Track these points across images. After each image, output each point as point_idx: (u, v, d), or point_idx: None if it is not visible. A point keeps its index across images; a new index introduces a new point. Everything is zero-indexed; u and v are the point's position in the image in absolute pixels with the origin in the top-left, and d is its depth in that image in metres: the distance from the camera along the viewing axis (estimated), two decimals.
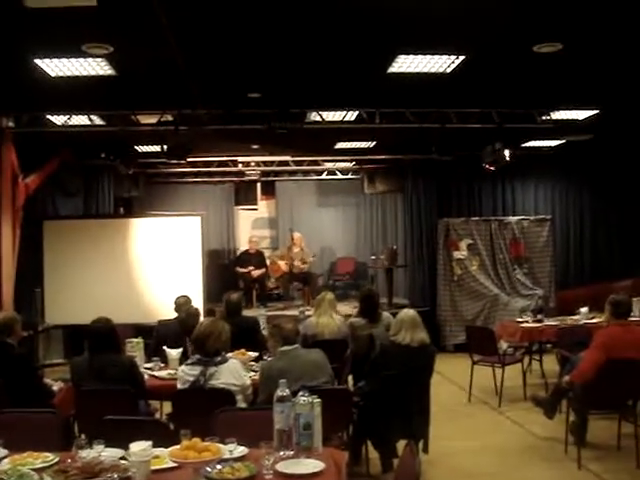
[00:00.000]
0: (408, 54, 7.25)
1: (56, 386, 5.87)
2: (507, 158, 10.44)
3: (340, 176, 15.41)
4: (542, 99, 9.53)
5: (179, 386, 5.02)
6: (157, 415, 6.28)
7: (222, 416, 4.16)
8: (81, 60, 7.06)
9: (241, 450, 3.54)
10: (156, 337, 7.34)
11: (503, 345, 9.09)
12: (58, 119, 9.81)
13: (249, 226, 15.99)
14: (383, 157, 13.68)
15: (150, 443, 3.28)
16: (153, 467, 3.29)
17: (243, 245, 15.07)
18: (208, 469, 3.23)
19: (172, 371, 5.94)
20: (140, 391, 5.46)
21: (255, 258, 13.78)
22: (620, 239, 13.97)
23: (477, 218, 13.16)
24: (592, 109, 9.95)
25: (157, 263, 11.82)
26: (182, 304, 7.77)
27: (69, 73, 7.41)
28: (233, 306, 7.39)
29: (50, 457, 3.49)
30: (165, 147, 10.97)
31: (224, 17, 6.06)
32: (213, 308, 10.56)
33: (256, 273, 13.48)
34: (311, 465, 3.37)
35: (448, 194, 13.86)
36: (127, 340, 6.38)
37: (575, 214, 14.38)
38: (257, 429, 3.68)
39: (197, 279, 11.82)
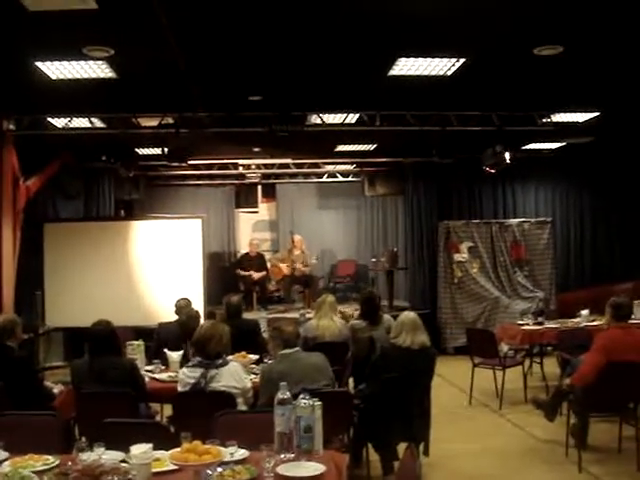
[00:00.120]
0: (409, 57, 7.27)
1: (56, 389, 5.87)
2: (507, 161, 10.45)
3: (341, 179, 15.40)
4: (542, 102, 9.54)
5: (179, 389, 5.01)
6: (158, 418, 6.27)
7: (223, 419, 4.15)
8: (82, 63, 7.08)
9: (242, 453, 3.54)
10: (157, 340, 7.34)
11: (504, 348, 9.09)
12: (59, 122, 9.82)
13: (250, 229, 15.98)
14: (384, 160, 13.68)
15: (151, 446, 3.28)
16: (154, 470, 3.29)
17: (244, 248, 15.06)
18: (209, 472, 3.23)
19: (173, 374, 5.94)
20: (141, 394, 5.45)
21: (256, 261, 13.76)
22: (621, 241, 13.97)
23: (478, 221, 13.17)
24: (592, 112, 9.96)
25: (158, 266, 11.81)
26: (183, 307, 7.77)
27: (70, 76, 7.43)
28: (233, 309, 7.39)
29: (51, 460, 3.49)
30: (166, 150, 10.98)
31: (225, 19, 6.07)
32: (214, 311, 10.58)
33: (257, 276, 13.47)
34: (312, 468, 3.36)
35: (449, 197, 13.87)
36: (128, 343, 6.38)
37: (576, 216, 14.38)
38: (258, 432, 3.68)
39: (198, 282, 11.81)
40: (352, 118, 10.03)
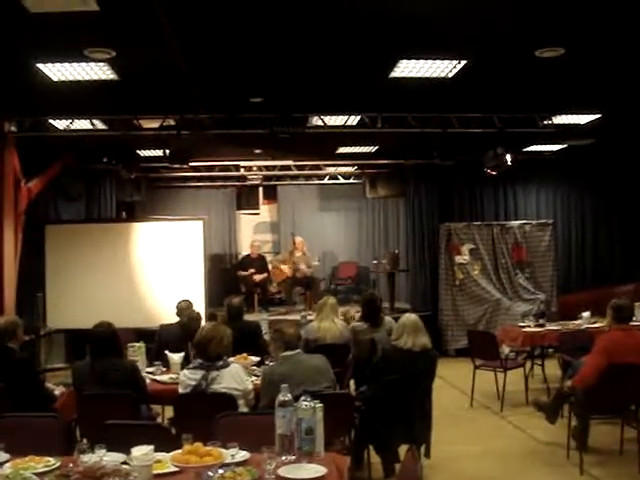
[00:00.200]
0: (410, 59, 7.27)
1: (58, 390, 5.87)
2: (509, 163, 10.45)
3: (342, 181, 15.41)
4: (544, 104, 9.54)
5: (181, 390, 5.01)
6: (159, 419, 6.27)
7: (224, 421, 4.15)
8: (83, 65, 7.09)
9: (243, 455, 3.54)
10: (158, 341, 7.34)
11: (505, 350, 9.09)
12: (60, 123, 9.83)
13: (251, 230, 15.99)
14: (385, 162, 13.69)
15: (152, 447, 3.27)
16: (155, 472, 3.29)
17: (245, 249, 15.06)
18: (210, 474, 3.23)
19: (174, 375, 5.93)
20: (142, 395, 5.45)
21: (257, 262, 13.76)
22: (622, 243, 13.97)
23: (479, 223, 13.17)
24: (594, 114, 9.96)
25: (159, 267, 11.82)
26: (184, 308, 7.78)
27: (71, 78, 7.44)
28: (235, 310, 7.38)
29: (52, 461, 3.49)
30: (167, 151, 10.97)
31: (226, 21, 6.07)
32: (215, 312, 10.57)
33: (258, 277, 13.47)
34: (313, 470, 3.36)
35: (450, 199, 13.87)
36: (129, 344, 6.37)
37: (577, 218, 14.38)
38: (259, 434, 3.68)
39: (199, 283, 11.81)
40: (353, 120, 10.04)
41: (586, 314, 9.15)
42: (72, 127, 9.86)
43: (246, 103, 9.09)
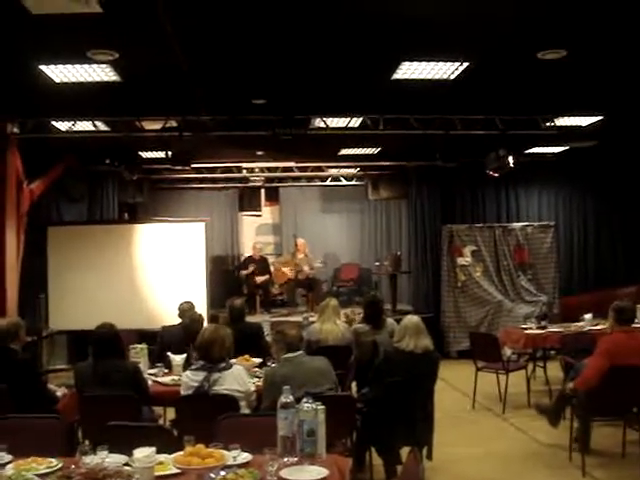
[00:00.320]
0: (412, 61, 7.27)
1: (60, 392, 5.87)
2: (511, 164, 10.44)
3: (344, 182, 15.40)
4: (546, 105, 9.54)
5: (183, 392, 5.01)
6: (161, 421, 6.28)
7: (226, 422, 4.16)
8: (86, 66, 7.09)
9: (245, 456, 3.54)
10: (160, 343, 7.36)
11: (507, 352, 9.08)
12: (63, 125, 9.84)
13: (253, 232, 15.99)
14: (387, 163, 13.69)
15: (154, 449, 3.28)
16: (157, 473, 3.29)
17: (247, 251, 15.07)
18: (212, 475, 3.23)
19: (176, 377, 5.94)
20: (144, 397, 5.45)
21: (259, 264, 13.78)
22: (624, 245, 13.96)
23: (481, 224, 13.17)
24: (596, 115, 9.95)
25: (161, 269, 11.82)
26: (186, 310, 7.79)
27: (74, 79, 7.45)
28: (237, 312, 7.39)
29: (54, 463, 3.49)
30: (169, 153, 10.98)
31: (229, 23, 6.08)
32: (217, 314, 10.55)
33: (260, 279, 13.48)
34: (315, 472, 3.36)
35: (452, 200, 13.87)
36: (131, 346, 6.37)
37: (579, 220, 14.38)
38: (261, 435, 3.68)
39: (201, 285, 11.81)
40: (356, 122, 10.04)
41: (588, 316, 9.14)
42: (74, 129, 9.86)
43: (248, 105, 9.10)
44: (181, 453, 3.44)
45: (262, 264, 13.86)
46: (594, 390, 5.83)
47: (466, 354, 10.64)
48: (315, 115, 9.80)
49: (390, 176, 14.22)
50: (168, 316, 9.11)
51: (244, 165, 14.27)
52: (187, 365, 5.85)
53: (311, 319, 9.12)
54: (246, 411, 4.92)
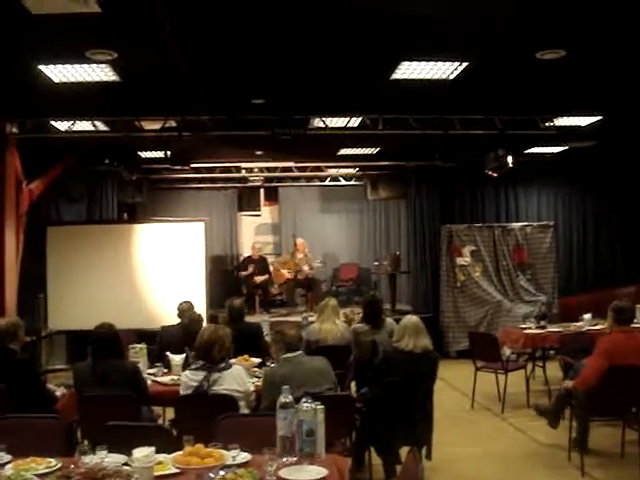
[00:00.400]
0: (411, 61, 7.28)
1: (59, 392, 5.87)
2: (510, 164, 10.45)
3: (343, 182, 15.41)
4: (545, 105, 9.54)
5: (182, 392, 5.01)
6: (160, 421, 6.28)
7: (225, 422, 4.15)
8: (85, 66, 7.10)
9: (244, 456, 3.54)
10: (159, 343, 7.36)
11: (506, 351, 9.09)
12: (62, 125, 9.84)
13: (252, 232, 15.98)
14: (386, 163, 13.69)
15: (153, 449, 3.28)
16: (156, 473, 3.29)
17: (246, 251, 15.07)
18: (211, 475, 3.23)
19: (175, 377, 5.94)
20: (143, 397, 5.45)
21: (258, 264, 13.78)
22: (623, 245, 13.97)
23: (480, 224, 13.17)
24: (595, 115, 9.96)
25: (160, 269, 11.82)
26: (185, 310, 7.79)
27: (73, 79, 7.45)
28: (236, 312, 7.39)
29: (53, 463, 3.49)
30: (169, 153, 10.98)
31: (228, 23, 6.08)
32: (216, 314, 10.57)
33: (259, 279, 13.48)
34: (314, 471, 3.36)
35: (451, 200, 13.87)
36: (130, 346, 6.37)
37: (578, 220, 14.38)
38: (260, 435, 3.68)
39: (200, 285, 11.82)
40: (355, 122, 10.04)
41: (587, 316, 9.14)
42: (74, 128, 9.86)
43: (247, 104, 9.10)
44: (180, 453, 3.45)
45: (261, 264, 13.87)
46: (593, 390, 5.83)
47: (465, 354, 10.64)
48: (314, 115, 9.81)
49: (389, 176, 14.22)
50: (167, 316, 9.11)
51: (243, 165, 14.27)
52: (186, 365, 5.85)
53: (310, 319, 9.13)
54: (245, 411, 4.92)
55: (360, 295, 12.52)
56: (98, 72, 7.29)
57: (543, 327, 9.20)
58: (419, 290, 13.62)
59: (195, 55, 6.90)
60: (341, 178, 15.32)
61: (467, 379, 8.85)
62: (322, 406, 3.59)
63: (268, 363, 6.03)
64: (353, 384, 6.90)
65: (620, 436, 6.41)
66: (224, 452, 3.45)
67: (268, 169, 14.57)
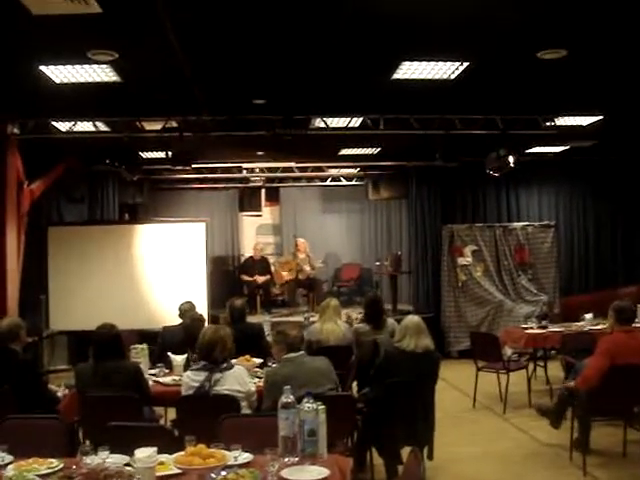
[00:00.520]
0: (412, 61, 7.27)
1: (61, 392, 5.88)
2: (511, 164, 10.42)
3: (344, 182, 15.40)
4: (546, 105, 9.54)
5: (183, 392, 5.01)
6: (162, 421, 6.28)
7: (227, 422, 4.16)
8: (86, 67, 7.09)
9: (246, 457, 3.54)
10: (161, 343, 7.35)
11: (507, 351, 9.09)
12: (63, 125, 9.84)
13: (253, 232, 15.98)
14: (387, 163, 13.68)
15: (155, 449, 3.28)
16: (158, 473, 3.30)
17: (247, 251, 15.06)
18: (213, 475, 3.23)
19: (177, 377, 5.94)
20: (145, 397, 5.46)
21: (259, 264, 13.78)
22: (624, 245, 13.97)
23: (481, 224, 13.16)
24: (596, 115, 9.95)
25: (162, 269, 11.84)
26: (187, 310, 7.79)
27: (74, 80, 7.45)
28: (237, 312, 7.39)
29: (55, 463, 3.50)
30: (170, 153, 10.98)
31: (229, 23, 6.08)
32: (217, 314, 10.58)
33: (260, 279, 13.49)
34: (316, 472, 3.37)
35: (452, 200, 13.86)
36: (132, 346, 6.37)
37: (579, 220, 14.37)
38: (262, 436, 3.68)
39: (201, 285, 11.83)
40: (356, 122, 10.04)
41: (589, 316, 9.15)
42: (75, 129, 9.85)
43: (249, 105, 9.10)
44: (182, 453, 3.45)
45: (262, 264, 13.86)
46: (595, 390, 5.83)
47: (467, 354, 10.65)
48: (315, 115, 9.80)
49: (390, 176, 14.21)
50: (169, 316, 9.12)
51: (244, 165, 14.26)
52: (188, 365, 5.85)
53: (312, 319, 9.12)
54: (247, 411, 4.92)
55: (361, 295, 12.51)
56: (99, 72, 7.28)
57: (544, 327, 9.20)
58: (420, 290, 13.61)
59: (196, 55, 6.90)
60: (342, 178, 15.31)
61: (468, 379, 8.85)
62: (324, 406, 3.59)
63: (269, 363, 6.03)
64: (355, 384, 6.90)
65: (622, 436, 6.42)
66: (226, 452, 3.45)
67: (269, 169, 14.57)
